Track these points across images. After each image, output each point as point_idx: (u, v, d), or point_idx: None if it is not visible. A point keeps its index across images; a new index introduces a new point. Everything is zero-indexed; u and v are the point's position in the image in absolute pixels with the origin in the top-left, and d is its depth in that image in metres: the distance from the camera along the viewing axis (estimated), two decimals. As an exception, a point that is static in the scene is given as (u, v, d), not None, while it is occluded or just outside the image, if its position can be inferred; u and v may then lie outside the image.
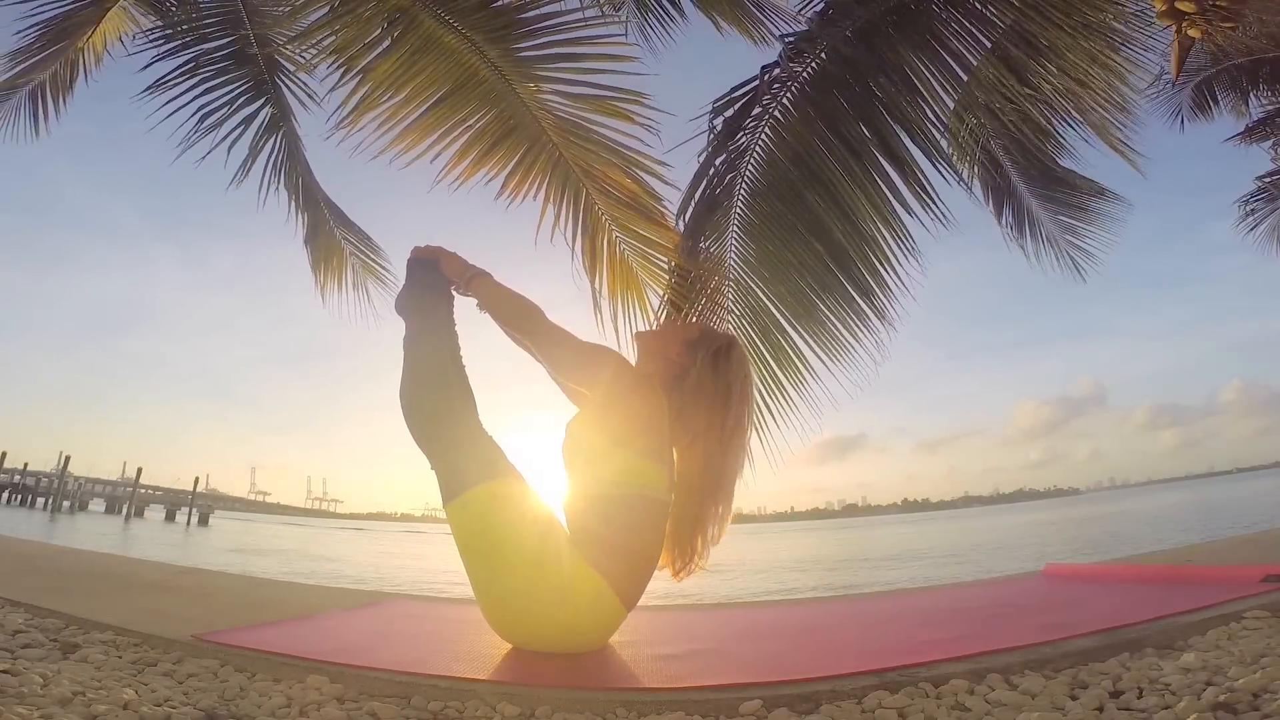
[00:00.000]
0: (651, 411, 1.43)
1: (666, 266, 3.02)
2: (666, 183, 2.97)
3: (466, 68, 2.82)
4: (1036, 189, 3.79)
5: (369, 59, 2.75)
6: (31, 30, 3.45)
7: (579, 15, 2.78)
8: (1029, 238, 4.00)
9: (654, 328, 1.58)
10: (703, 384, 1.46)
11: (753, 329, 3.04)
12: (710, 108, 2.93)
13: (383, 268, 4.12)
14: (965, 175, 3.31)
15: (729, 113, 2.93)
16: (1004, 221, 3.94)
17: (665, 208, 2.99)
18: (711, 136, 2.92)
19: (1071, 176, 3.72)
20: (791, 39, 2.90)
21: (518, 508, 1.37)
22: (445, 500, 1.40)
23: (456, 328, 1.60)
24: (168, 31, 3.31)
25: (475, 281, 1.57)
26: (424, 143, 2.87)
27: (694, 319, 1.59)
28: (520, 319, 1.56)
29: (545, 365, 1.60)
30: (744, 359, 1.57)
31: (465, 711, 1.04)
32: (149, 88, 3.15)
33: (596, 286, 3.03)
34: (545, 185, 3.00)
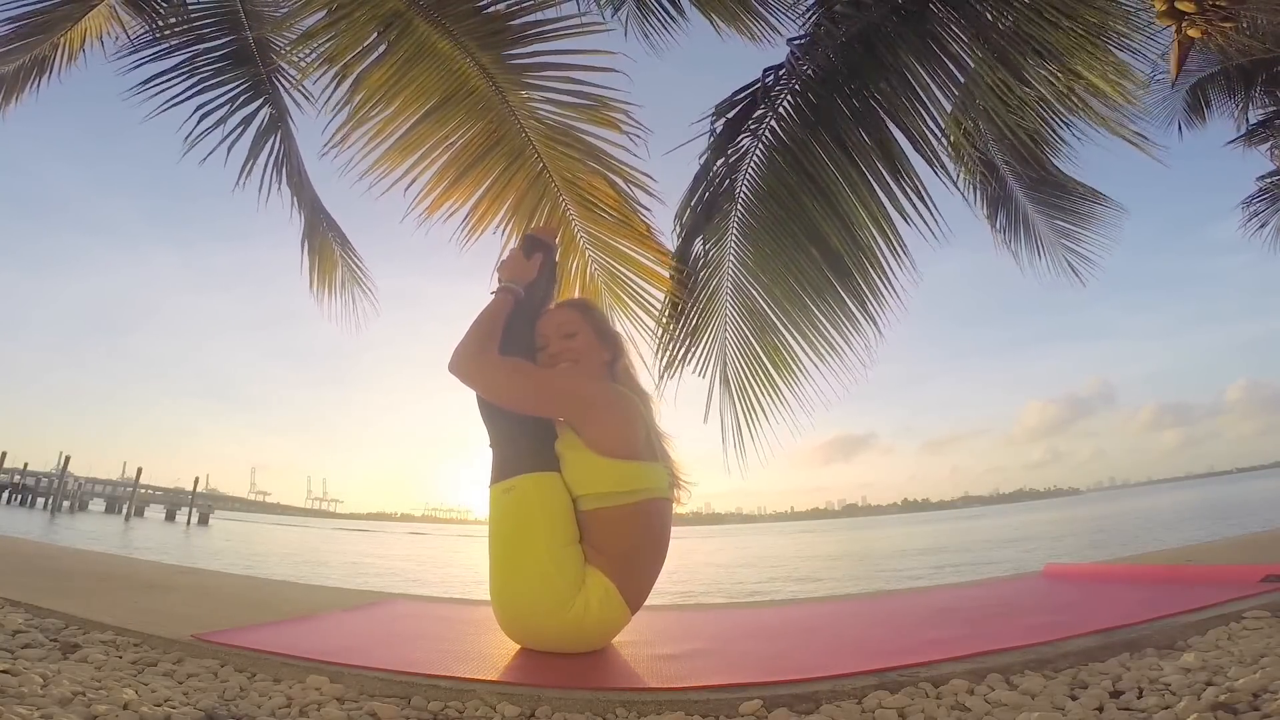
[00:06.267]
0: (629, 415, 1.45)
1: (644, 284, 3.00)
2: (651, 194, 2.95)
3: (459, 75, 2.81)
4: (1032, 193, 3.78)
5: (363, 66, 2.75)
6: (5, 23, 3.42)
7: (573, 21, 2.77)
8: (1024, 242, 4.00)
9: (560, 353, 1.58)
10: (619, 346, 1.64)
11: (748, 329, 3.03)
12: (711, 110, 2.91)
13: (361, 270, 4.08)
14: (961, 180, 3.30)
15: (730, 114, 2.92)
16: (997, 225, 3.94)
17: (649, 219, 2.97)
18: (712, 139, 2.91)
19: (1068, 181, 3.71)
20: (798, 41, 2.90)
21: (555, 504, 1.39)
22: (492, 481, 1.44)
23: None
24: (164, 32, 3.29)
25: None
26: (403, 165, 2.85)
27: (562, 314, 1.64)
28: (472, 345, 1.50)
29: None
30: (592, 300, 1.78)
31: (465, 711, 1.04)
32: (144, 83, 3.14)
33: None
34: (517, 208, 2.97)
